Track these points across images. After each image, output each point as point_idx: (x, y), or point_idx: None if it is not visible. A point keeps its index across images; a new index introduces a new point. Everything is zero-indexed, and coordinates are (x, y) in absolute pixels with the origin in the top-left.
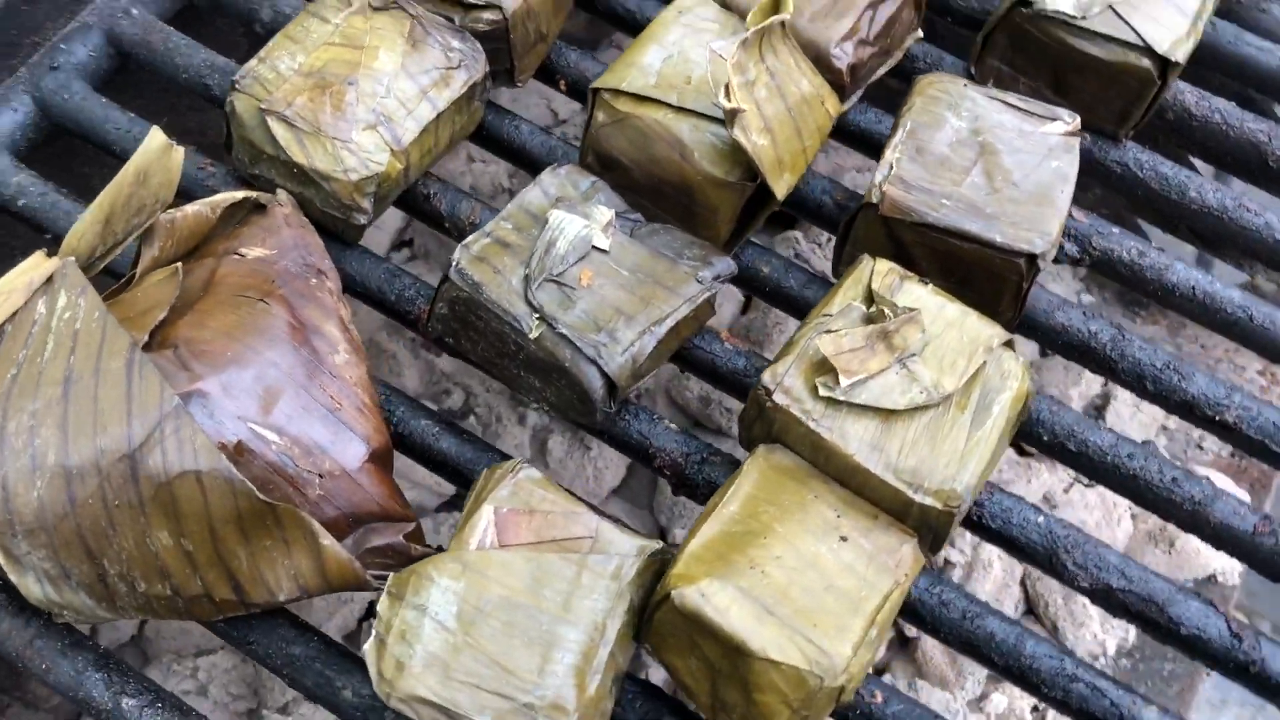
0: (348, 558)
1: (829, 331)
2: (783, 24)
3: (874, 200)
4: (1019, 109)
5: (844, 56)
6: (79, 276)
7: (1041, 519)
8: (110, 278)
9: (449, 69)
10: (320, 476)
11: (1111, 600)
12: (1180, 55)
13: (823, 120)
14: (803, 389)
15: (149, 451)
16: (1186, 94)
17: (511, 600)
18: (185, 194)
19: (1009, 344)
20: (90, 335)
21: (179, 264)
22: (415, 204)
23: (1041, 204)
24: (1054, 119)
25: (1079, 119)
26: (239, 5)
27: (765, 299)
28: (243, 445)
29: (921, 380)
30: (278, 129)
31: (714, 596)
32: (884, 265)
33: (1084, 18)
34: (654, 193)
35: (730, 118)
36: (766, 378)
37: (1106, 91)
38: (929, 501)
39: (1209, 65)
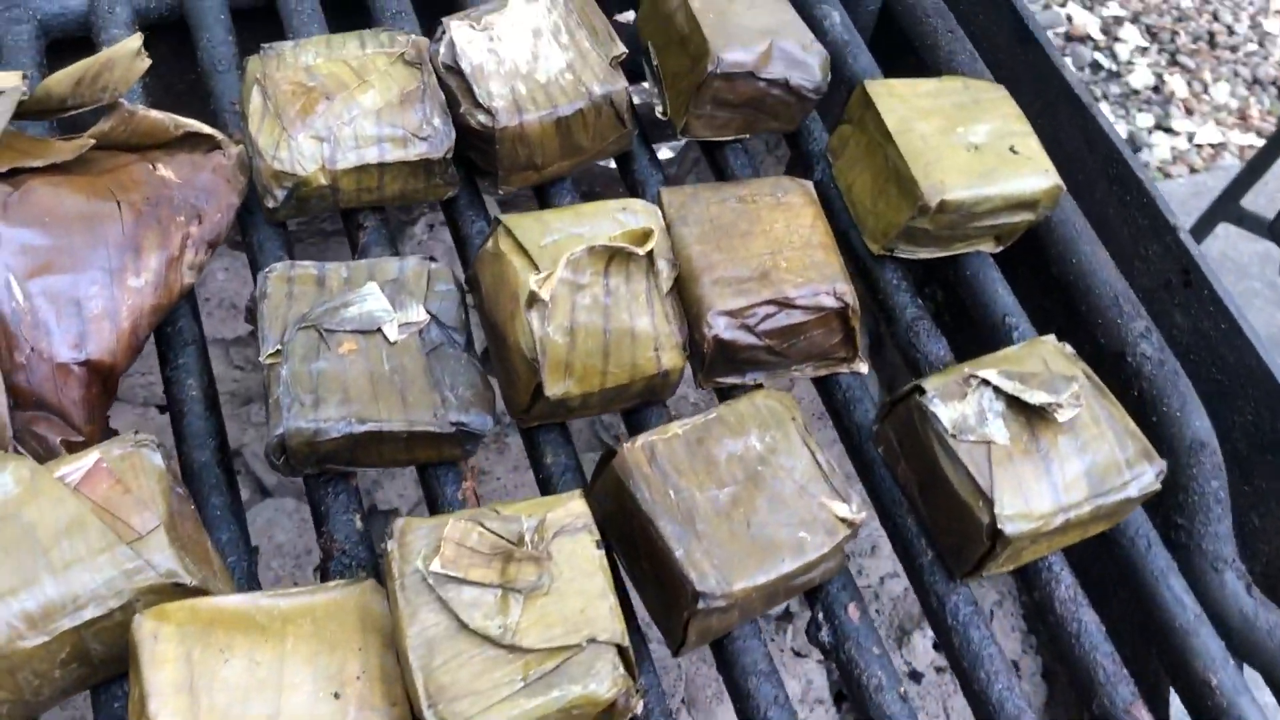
0: (4, 422)
1: (472, 522)
2: (649, 258)
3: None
4: (823, 472)
5: (714, 328)
6: (11, 101)
7: None
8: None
9: (414, 136)
10: (33, 350)
11: None
12: (1011, 531)
13: (644, 364)
14: (419, 551)
15: None
16: None
17: (31, 529)
18: (215, 119)
19: (623, 651)
20: None
21: (91, 140)
22: (350, 223)
23: (756, 555)
24: (844, 500)
25: (863, 515)
26: None
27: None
28: None
29: (508, 618)
30: (255, 97)
31: (161, 641)
32: (578, 505)
33: (954, 435)
34: (491, 333)
35: (531, 299)
36: (397, 524)
37: (950, 522)
38: None
39: None
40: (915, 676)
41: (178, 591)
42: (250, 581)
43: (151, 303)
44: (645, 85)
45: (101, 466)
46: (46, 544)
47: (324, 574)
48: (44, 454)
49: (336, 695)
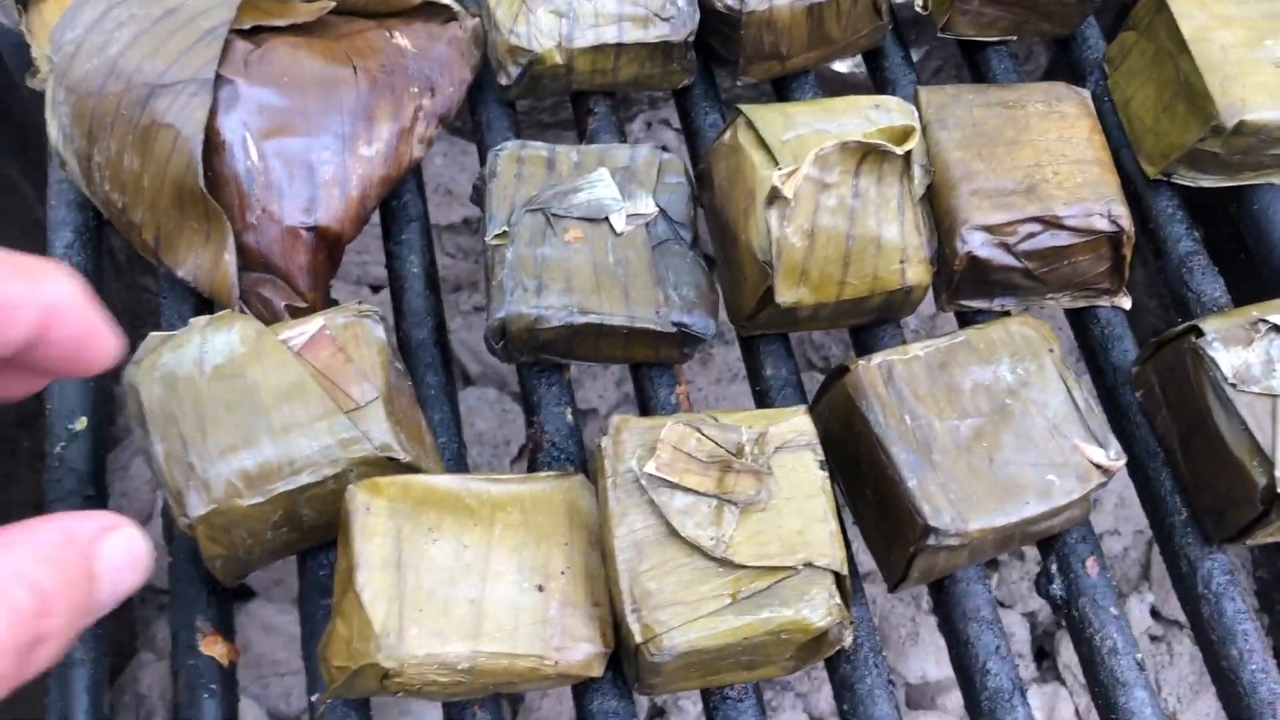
0: (233, 282)
1: (690, 426)
2: (906, 160)
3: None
4: (1080, 411)
5: (968, 244)
6: None
7: None
8: None
9: (656, 16)
10: (263, 211)
11: None
12: None
13: (887, 277)
14: (634, 451)
15: (164, 93)
16: None
17: (254, 389)
18: None
19: (840, 580)
20: None
21: (332, 2)
22: (579, 107)
23: (997, 494)
24: (1100, 445)
25: (1122, 462)
26: None
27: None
28: (227, 143)
29: (722, 530)
30: None
31: (373, 514)
32: (803, 421)
33: (1234, 384)
34: (720, 231)
35: (771, 196)
36: (613, 421)
37: (1216, 480)
38: (634, 627)
39: None
40: None
41: (391, 465)
42: (459, 463)
43: (381, 173)
44: None
45: (325, 333)
46: (268, 405)
47: (532, 464)
48: (268, 316)
49: (540, 588)
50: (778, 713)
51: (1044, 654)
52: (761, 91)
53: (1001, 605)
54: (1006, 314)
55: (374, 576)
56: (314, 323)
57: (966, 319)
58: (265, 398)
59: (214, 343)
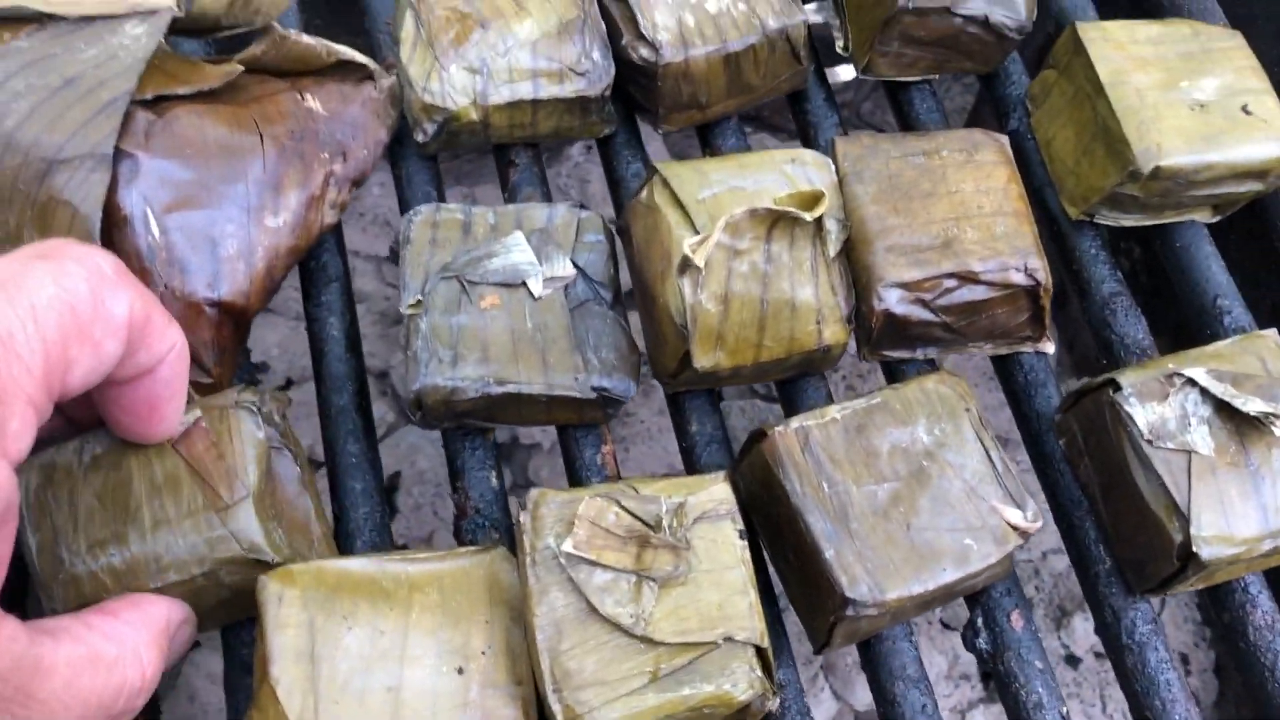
0: None
1: (606, 499)
2: (818, 224)
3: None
4: (996, 472)
5: (885, 302)
6: (164, 21)
7: None
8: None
9: (571, 71)
10: (166, 287)
11: None
12: (1207, 555)
13: (804, 339)
14: (553, 527)
15: (62, 169)
16: None
17: (128, 481)
18: (369, 39)
19: (760, 652)
20: (119, 65)
21: (240, 66)
22: (501, 159)
23: (914, 562)
24: (1018, 506)
25: (1037, 525)
26: None
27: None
28: (128, 219)
29: (641, 607)
30: (408, 22)
31: (285, 605)
32: (722, 490)
33: (1149, 440)
34: (640, 288)
35: (683, 265)
36: (531, 495)
37: (1136, 534)
38: (556, 708)
39: None
40: (1072, 661)
41: (260, 566)
42: (382, 534)
43: (289, 243)
44: (814, 6)
45: (200, 426)
46: (141, 499)
47: (457, 531)
48: None
49: (460, 670)
50: None
51: (990, 675)
52: (691, 134)
53: (947, 628)
54: (930, 363)
55: (288, 669)
56: (194, 413)
57: (891, 366)
58: (140, 490)
59: (98, 431)
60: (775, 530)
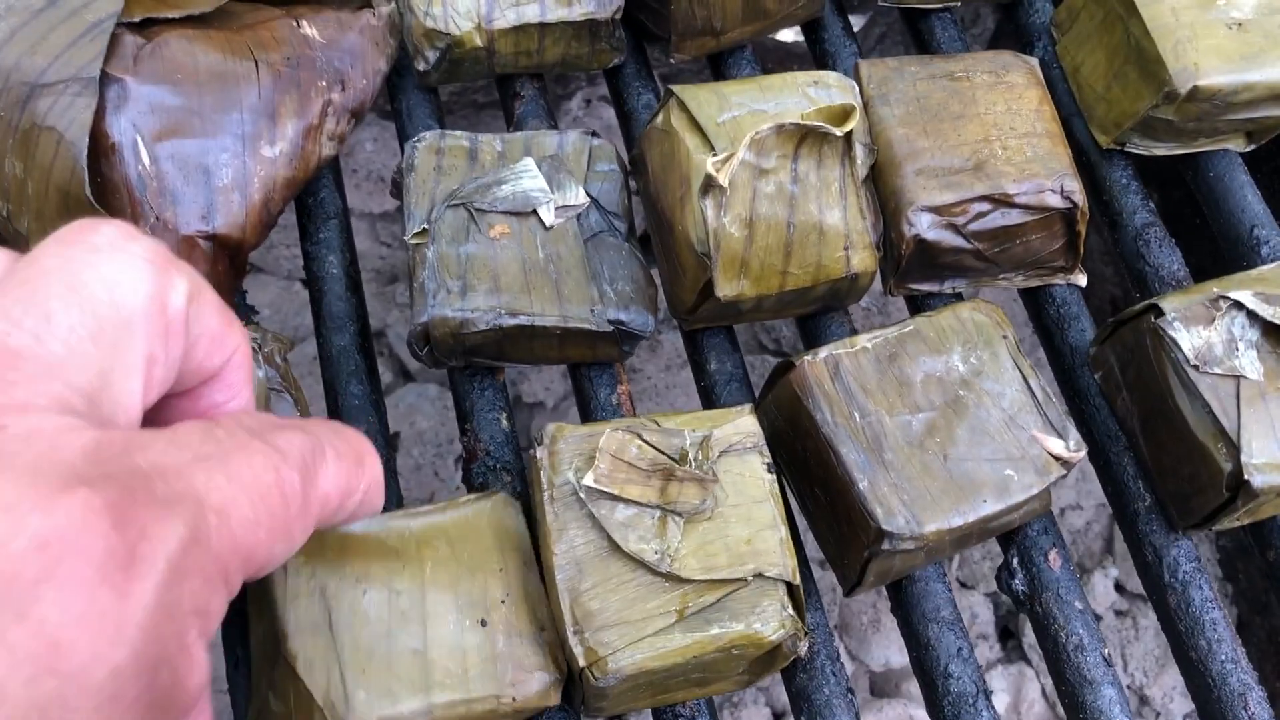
0: None
1: (628, 432)
2: (847, 141)
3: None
4: (1036, 400)
5: (915, 227)
6: None
7: None
8: None
9: None
10: (158, 219)
11: None
12: (1259, 483)
13: (831, 266)
14: (571, 462)
15: (45, 93)
16: None
17: None
18: None
19: (792, 590)
20: None
21: None
22: (505, 90)
23: (953, 493)
24: (1060, 435)
25: (1080, 455)
26: None
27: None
28: (116, 147)
29: (666, 543)
30: None
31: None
32: (749, 422)
33: (1195, 365)
34: (657, 220)
35: (706, 186)
36: (547, 430)
37: (1180, 466)
38: (577, 650)
39: None
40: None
41: None
42: (387, 478)
43: (286, 174)
44: None
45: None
46: None
47: (466, 475)
48: None
49: (483, 622)
50: (739, 708)
51: (1009, 634)
52: (702, 67)
53: (964, 586)
54: (958, 297)
55: (306, 643)
56: None
57: (917, 301)
58: None
59: None
60: (804, 467)
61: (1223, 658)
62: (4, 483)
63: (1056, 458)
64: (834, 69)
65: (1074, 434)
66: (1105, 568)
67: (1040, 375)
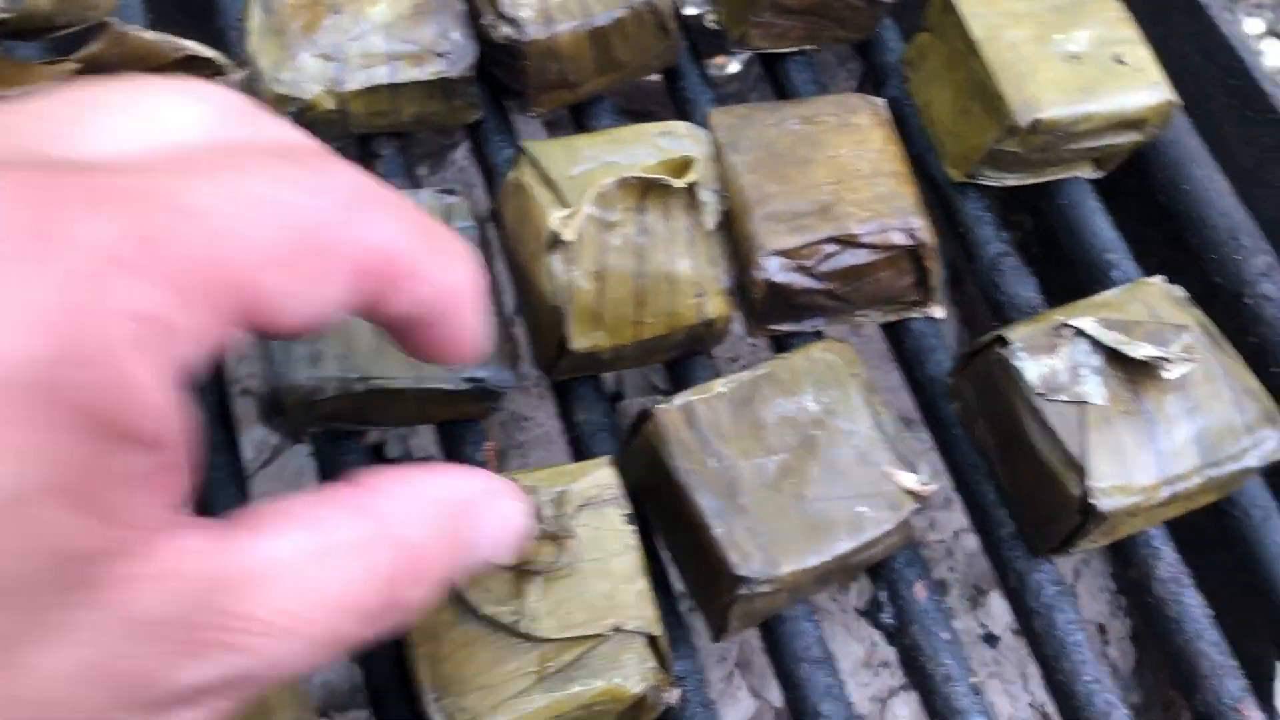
0: None
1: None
2: (690, 191)
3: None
4: (887, 436)
5: (766, 271)
6: None
7: None
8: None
9: (429, 52)
10: None
11: None
12: (1106, 506)
13: (684, 313)
14: None
15: None
16: None
17: None
18: (221, 37)
19: (654, 641)
20: None
21: (76, 64)
22: (365, 151)
23: (808, 533)
24: (911, 469)
25: (931, 488)
26: None
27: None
28: None
29: (523, 603)
30: (256, 12)
31: None
32: (606, 475)
33: (1041, 394)
34: (516, 275)
35: (552, 240)
36: None
37: (1035, 492)
38: (437, 718)
39: None
40: (991, 640)
41: None
42: None
43: None
44: None
45: None
46: None
47: None
48: None
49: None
50: None
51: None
52: (565, 118)
53: (863, 614)
54: (819, 334)
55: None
56: None
57: (780, 342)
58: None
59: None
60: (668, 515)
61: (1087, 678)
62: None
63: (909, 492)
64: (692, 116)
65: (925, 468)
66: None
67: (890, 411)
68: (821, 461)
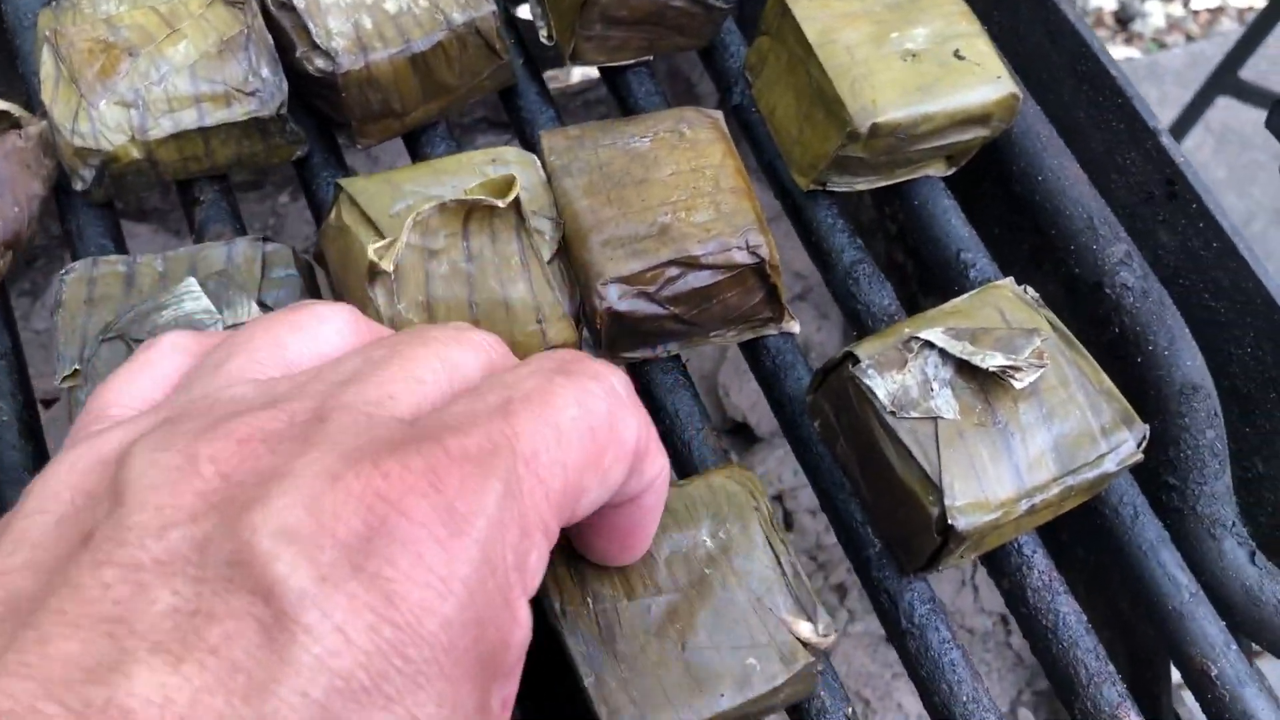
0: None
1: None
2: (517, 212)
3: None
4: (786, 577)
5: (607, 300)
6: None
7: None
8: None
9: (238, 91)
10: None
11: None
12: (964, 525)
13: (526, 341)
14: None
15: None
16: None
17: None
18: (22, 84)
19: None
20: None
21: None
22: (185, 198)
23: (688, 687)
24: (808, 617)
25: (830, 640)
26: None
27: None
28: None
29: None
30: (47, 59)
31: None
32: None
33: (893, 412)
34: None
35: (371, 272)
36: None
37: (897, 510)
38: None
39: None
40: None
41: None
42: None
43: None
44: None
45: None
46: None
47: None
48: None
49: None
50: None
51: None
52: (398, 149)
53: None
54: (675, 359)
55: None
56: None
57: (635, 368)
58: None
59: None
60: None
61: (964, 699)
62: (331, 458)
63: (805, 643)
64: (533, 135)
65: (824, 616)
66: None
67: (791, 550)
68: (713, 604)
